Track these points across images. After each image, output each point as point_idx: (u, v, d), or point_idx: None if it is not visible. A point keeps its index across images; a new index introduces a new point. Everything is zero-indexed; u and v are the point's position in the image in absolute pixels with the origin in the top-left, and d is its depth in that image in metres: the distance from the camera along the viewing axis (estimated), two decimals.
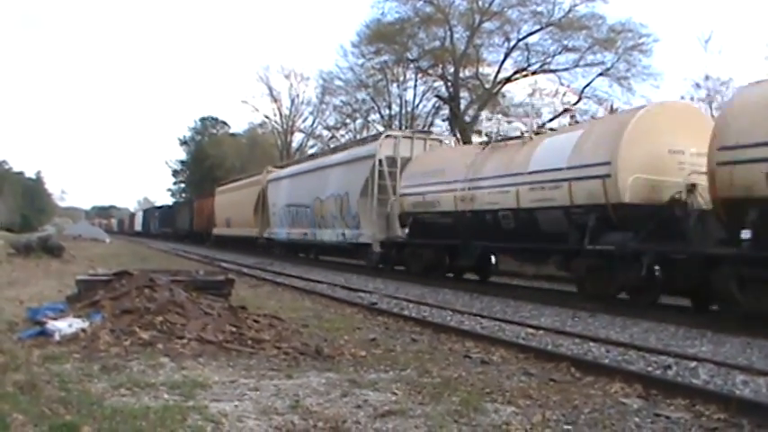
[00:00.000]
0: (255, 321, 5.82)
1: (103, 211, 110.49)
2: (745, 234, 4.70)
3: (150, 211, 62.24)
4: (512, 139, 8.71)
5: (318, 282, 11.42)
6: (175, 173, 64.50)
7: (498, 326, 6.60)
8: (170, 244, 31.59)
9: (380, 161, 12.07)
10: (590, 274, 6.72)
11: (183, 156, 64.54)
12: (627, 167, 5.88)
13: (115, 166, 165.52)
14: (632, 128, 6.08)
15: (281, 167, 21.18)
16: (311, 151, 41.49)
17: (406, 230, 11.12)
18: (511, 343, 5.41)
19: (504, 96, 24.52)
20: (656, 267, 5.64)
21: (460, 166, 9.42)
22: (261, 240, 20.11)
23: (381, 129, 33.84)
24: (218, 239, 26.37)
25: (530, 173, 7.66)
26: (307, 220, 16.17)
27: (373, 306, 8.06)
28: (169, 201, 57.10)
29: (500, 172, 8.33)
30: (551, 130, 9.19)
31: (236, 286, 7.91)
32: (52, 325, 5.08)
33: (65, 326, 5.04)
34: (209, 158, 49.32)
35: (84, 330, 5.01)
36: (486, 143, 9.34)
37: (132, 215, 73.58)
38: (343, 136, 38.69)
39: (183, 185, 63.43)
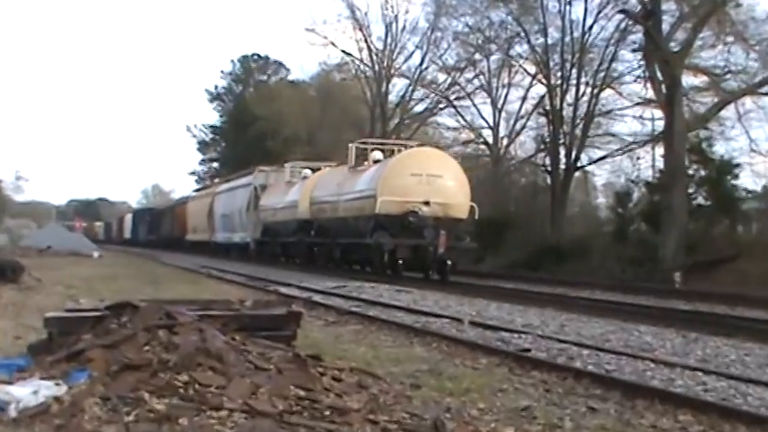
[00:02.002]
0: (336, 380, 5.85)
1: (88, 208, 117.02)
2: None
3: (140, 215, 69.74)
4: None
5: (437, 315, 11.65)
6: (203, 146, 68.53)
7: (731, 385, 6.56)
8: (195, 259, 33.49)
9: (255, 188, 31.89)
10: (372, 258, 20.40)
11: (214, 118, 69.05)
12: (383, 192, 19.23)
13: (107, 137, 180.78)
14: (389, 168, 20.18)
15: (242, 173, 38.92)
16: (418, 108, 42.00)
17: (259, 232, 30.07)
18: (758, 417, 5.39)
19: (738, 5, 23.90)
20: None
21: (291, 190, 26.38)
22: (211, 245, 39.26)
23: (529, 68, 33.71)
24: (192, 245, 43.29)
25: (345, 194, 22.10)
26: (229, 226, 36.25)
27: (525, 354, 8.12)
28: (191, 188, 61.41)
29: (293, 196, 26.94)
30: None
31: (305, 323, 8.16)
32: (4, 392, 4.95)
33: (26, 393, 4.92)
34: (257, 122, 51.06)
35: (58, 400, 4.88)
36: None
37: (121, 219, 79.98)
38: (469, 82, 38.74)
39: (215, 165, 67.75)
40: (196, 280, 20.40)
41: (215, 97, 66.55)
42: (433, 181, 20.92)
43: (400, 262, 20.53)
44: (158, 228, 57.24)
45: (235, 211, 35.74)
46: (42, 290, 15.40)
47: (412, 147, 23.75)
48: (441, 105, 40.86)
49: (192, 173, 69.26)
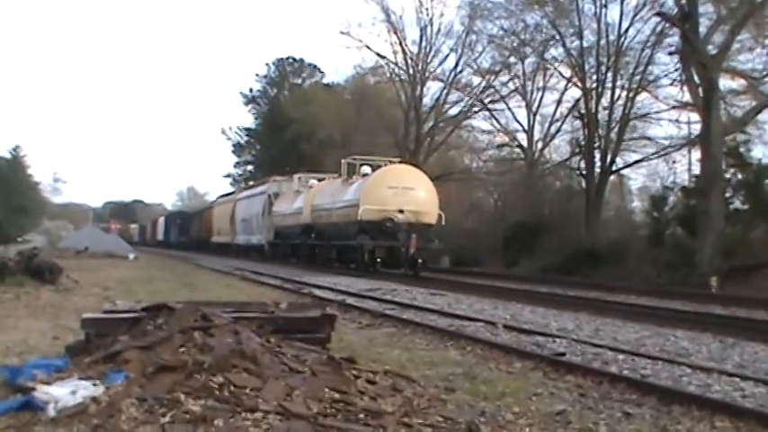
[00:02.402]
0: (370, 382, 5.86)
1: (124, 210, 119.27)
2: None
3: (172, 218, 73.35)
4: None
5: (471, 319, 11.64)
6: (238, 148, 69.05)
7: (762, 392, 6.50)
8: (227, 261, 34.03)
9: (269, 195, 36.18)
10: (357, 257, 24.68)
11: (249, 121, 69.51)
12: (365, 202, 23.87)
13: (143, 140, 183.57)
14: (370, 181, 24.90)
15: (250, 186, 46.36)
16: (452, 111, 42.03)
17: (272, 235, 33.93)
18: None
19: None
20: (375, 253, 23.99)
21: (298, 198, 31.35)
22: (233, 246, 43.41)
23: (564, 71, 33.57)
24: (217, 246, 47.46)
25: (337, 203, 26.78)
26: (248, 229, 40.24)
27: (559, 358, 8.08)
28: (226, 190, 62.41)
29: (298, 203, 31.39)
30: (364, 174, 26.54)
31: (339, 326, 8.23)
32: (44, 392, 5.01)
33: (64, 393, 4.96)
34: (292, 125, 51.37)
35: (95, 400, 4.94)
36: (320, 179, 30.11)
37: (155, 221, 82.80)
38: (504, 85, 38.59)
39: (250, 167, 68.21)
40: (230, 282, 20.54)
41: (250, 100, 66.95)
42: (406, 193, 25.31)
43: (378, 260, 24.89)
44: (188, 230, 60.83)
45: (253, 215, 39.95)
46: (80, 291, 15.59)
47: (394, 163, 28.07)
48: (475, 108, 40.81)
49: (227, 175, 69.68)
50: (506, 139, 40.17)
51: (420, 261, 24.65)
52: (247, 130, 67.41)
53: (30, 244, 35.28)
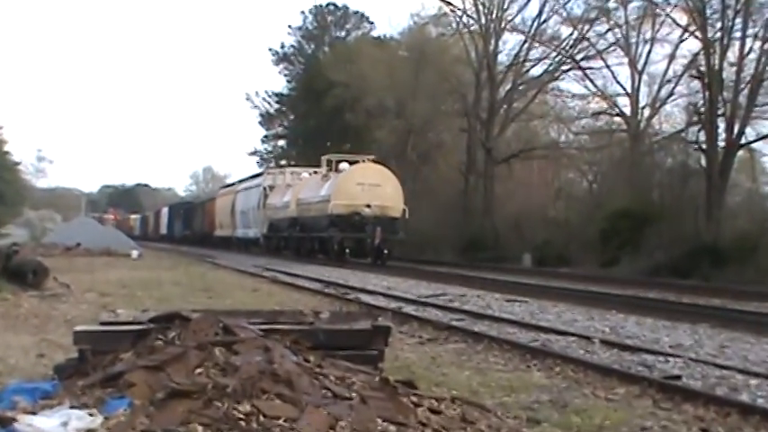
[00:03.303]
0: (434, 412, 5.85)
1: (124, 197, 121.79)
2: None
3: (176, 209, 75.96)
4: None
5: (560, 332, 11.64)
6: (267, 119, 69.43)
7: None
8: (257, 259, 34.69)
9: (265, 188, 44.88)
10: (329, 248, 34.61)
11: (280, 85, 69.58)
12: (335, 197, 33.51)
13: (148, 111, 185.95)
14: (340, 178, 34.47)
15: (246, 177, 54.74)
16: (535, 70, 41.86)
17: (266, 228, 43.19)
18: None
19: None
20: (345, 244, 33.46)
21: (288, 191, 40.86)
22: (233, 240, 50.59)
23: (679, 18, 33.28)
24: (220, 240, 54.11)
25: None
26: (246, 222, 47.94)
27: (673, 382, 8.04)
28: (250, 171, 63.66)
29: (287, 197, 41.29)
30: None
31: (395, 340, 8.36)
32: (27, 423, 5.01)
33: (53, 425, 4.98)
34: (333, 89, 51.52)
35: None
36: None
37: (158, 212, 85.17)
38: (601, 37, 38.07)
39: (281, 143, 69.14)
40: (257, 285, 20.77)
41: (282, 58, 67.15)
42: (373, 189, 33.60)
43: (347, 251, 33.34)
44: (191, 223, 65.75)
45: (250, 208, 47.46)
46: (71, 298, 15.77)
47: (368, 160, 36.62)
48: (564, 67, 40.49)
49: (254, 152, 70.11)
50: (604, 105, 39.76)
51: (385, 252, 32.79)
52: (278, 95, 67.65)
53: (7, 239, 35.87)
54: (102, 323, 7.30)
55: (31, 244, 38.84)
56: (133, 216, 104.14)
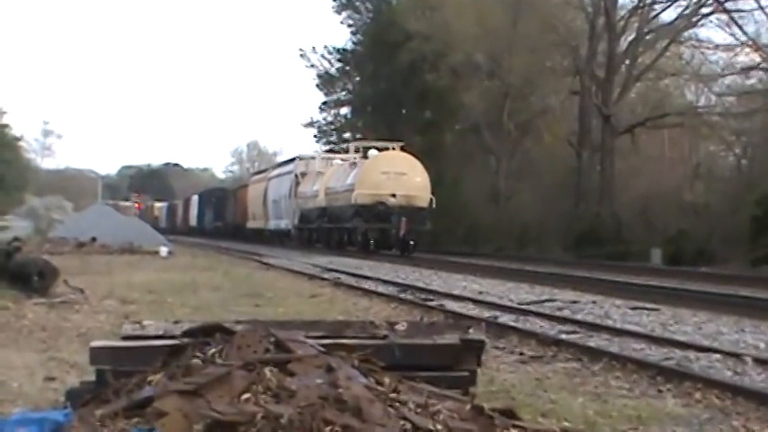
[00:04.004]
0: None
1: (150, 180, 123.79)
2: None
3: (206, 197, 79.14)
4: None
5: (701, 348, 11.47)
6: (327, 82, 69.20)
7: None
8: (317, 257, 35.04)
9: (296, 175, 51.77)
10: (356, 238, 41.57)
11: (344, 39, 69.36)
12: (359, 186, 40.35)
13: (181, 79, 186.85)
14: (365, 167, 41.33)
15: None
16: (666, 15, 41.34)
17: (297, 219, 50.65)
18: None
19: None
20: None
21: (318, 179, 47.47)
22: (266, 232, 56.57)
23: None
24: (253, 233, 59.82)
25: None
26: (278, 213, 54.87)
27: None
28: (305, 148, 65.67)
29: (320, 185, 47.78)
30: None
31: (490, 358, 8.42)
32: None
33: None
34: (410, 42, 51.53)
35: None
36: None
37: (187, 200, 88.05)
38: None
39: (344, 111, 69.54)
40: (317, 290, 20.88)
41: (344, 5, 67.15)
42: (398, 178, 39.29)
43: (371, 242, 39.14)
44: (223, 213, 70.50)
45: (282, 197, 53.44)
46: (85, 306, 15.86)
47: (397, 148, 42.20)
48: (704, 10, 39.80)
49: (310, 124, 70.33)
50: (756, 58, 39.01)
51: (411, 243, 38.65)
52: (341, 52, 67.66)
53: (7, 232, 36.45)
54: (125, 337, 7.38)
55: (36, 238, 39.46)
56: (158, 204, 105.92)
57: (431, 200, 39.33)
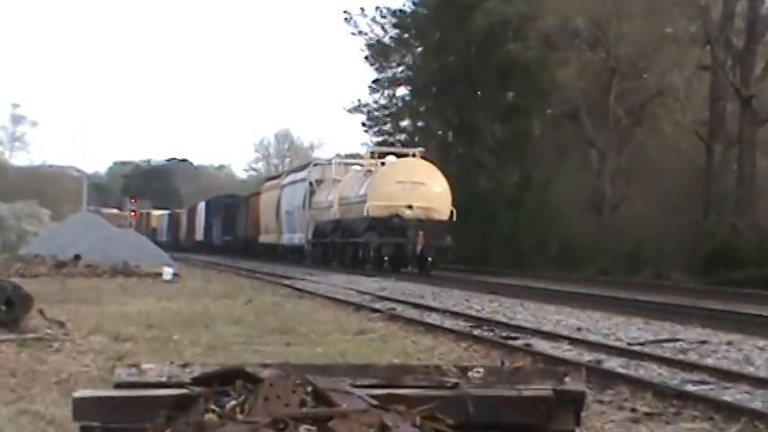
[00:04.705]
0: None
1: (149, 181, 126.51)
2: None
3: (214, 205, 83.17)
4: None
5: None
6: (379, 54, 68.33)
7: None
8: (365, 281, 35.32)
9: (311, 183, 58.95)
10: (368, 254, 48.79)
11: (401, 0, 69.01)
12: (372, 197, 46.98)
13: (190, 57, 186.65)
14: (378, 175, 47.73)
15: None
16: None
17: (311, 233, 58.56)
18: None
19: None
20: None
21: (333, 188, 54.37)
22: (279, 248, 64.88)
23: None
24: (265, 249, 66.97)
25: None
26: (292, 225, 62.45)
27: None
28: (352, 142, 69.09)
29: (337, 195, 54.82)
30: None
31: (592, 414, 8.68)
32: None
33: None
34: (486, 2, 51.88)
35: None
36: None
37: (193, 209, 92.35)
38: None
39: (402, 91, 70.08)
40: (367, 324, 20.83)
41: None
42: (416, 187, 44.26)
43: (385, 258, 43.67)
44: (233, 225, 75.22)
45: (295, 208, 59.03)
46: (67, 344, 15.93)
47: (418, 155, 47.16)
48: None
49: (357, 108, 70.33)
50: None
51: (430, 260, 43.43)
52: (397, 15, 67.61)
53: None
54: (118, 385, 7.41)
55: (3, 257, 39.62)
56: (156, 213, 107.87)
57: (452, 212, 44.28)
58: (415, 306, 24.77)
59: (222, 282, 36.47)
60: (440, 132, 62.82)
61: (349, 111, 70.46)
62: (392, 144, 59.03)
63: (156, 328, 18.55)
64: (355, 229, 46.05)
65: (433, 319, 21.87)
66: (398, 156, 46.50)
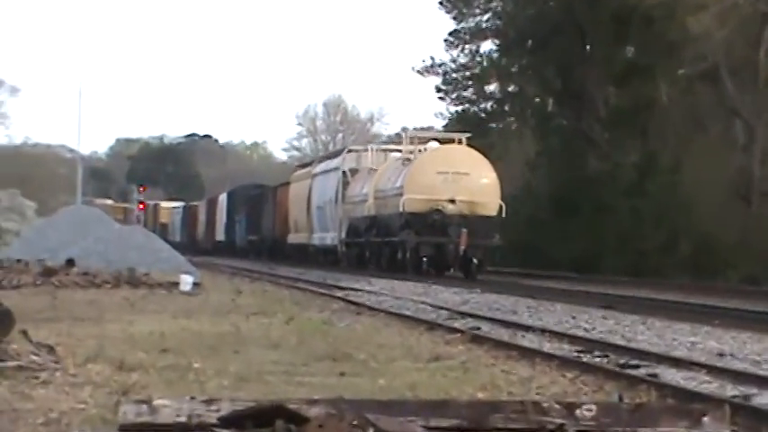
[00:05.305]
0: None
1: (161, 161, 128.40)
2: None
3: (238, 197, 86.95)
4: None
5: None
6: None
7: None
8: (447, 293, 35.79)
9: (344, 173, 65.81)
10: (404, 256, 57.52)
11: None
12: (409, 189, 53.99)
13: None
14: (416, 165, 54.34)
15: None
16: None
17: (345, 232, 66.75)
18: None
19: None
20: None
21: (369, 179, 61.22)
22: (309, 249, 70.89)
23: None
24: (294, 250, 72.11)
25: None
26: (323, 223, 68.45)
27: None
28: (421, 113, 68.79)
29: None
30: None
31: None
32: None
33: None
34: None
35: None
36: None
37: (213, 200, 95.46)
38: None
39: (488, 47, 70.69)
40: (440, 348, 20.79)
41: None
42: (459, 179, 48.33)
43: (424, 260, 48.39)
44: (259, 222, 78.88)
45: (327, 202, 63.35)
46: (58, 374, 15.90)
47: (461, 141, 50.62)
48: None
49: (429, 68, 70.59)
50: None
51: (475, 262, 46.87)
52: None
53: None
54: (125, 428, 7.47)
55: None
56: (167, 205, 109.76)
57: (500, 207, 48.06)
58: (506, 324, 24.74)
59: (255, 293, 36.54)
60: (537, 99, 62.58)
61: (419, 72, 70.75)
62: (474, 115, 59.11)
63: (171, 353, 18.64)
64: (391, 226, 49.69)
65: (530, 341, 21.89)
66: (441, 142, 48.80)
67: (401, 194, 46.11)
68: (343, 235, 57.45)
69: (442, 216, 44.52)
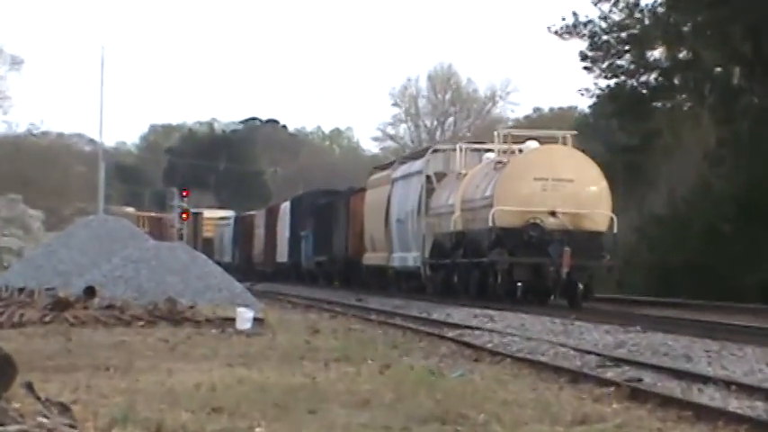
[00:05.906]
0: None
1: (210, 154, 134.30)
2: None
3: (303, 206, 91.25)
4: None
5: None
6: None
7: None
8: (594, 331, 37.43)
9: (429, 177, 72.09)
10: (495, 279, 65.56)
11: None
12: (499, 200, 60.28)
13: None
14: (507, 170, 61.24)
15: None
16: None
17: (429, 251, 73.08)
18: None
19: None
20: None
21: (456, 186, 67.51)
22: (388, 273, 79.64)
23: None
24: (371, 274, 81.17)
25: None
26: (404, 239, 75.09)
27: None
28: (567, 90, 67.78)
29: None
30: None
31: None
32: None
33: None
34: None
35: None
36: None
37: (274, 209, 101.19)
38: None
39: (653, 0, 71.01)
40: (588, 408, 20.68)
41: None
42: (561, 187, 52.21)
43: (518, 284, 51.93)
44: (329, 238, 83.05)
45: (408, 213, 64.62)
46: None
47: (565, 141, 53.91)
48: None
49: (571, 29, 71.22)
50: None
51: (581, 287, 50.20)
52: None
53: None
54: None
55: None
56: (211, 214, 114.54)
57: (611, 220, 49.58)
58: (676, 374, 24.55)
59: (336, 332, 36.70)
60: (719, 69, 62.38)
61: (558, 34, 71.32)
62: (632, 91, 59.50)
63: (225, 413, 18.66)
64: (480, 244, 51.99)
65: (710, 397, 21.62)
66: (541, 141, 51.35)
67: (491, 205, 48.99)
68: (427, 255, 60.51)
69: (540, 232, 47.23)
